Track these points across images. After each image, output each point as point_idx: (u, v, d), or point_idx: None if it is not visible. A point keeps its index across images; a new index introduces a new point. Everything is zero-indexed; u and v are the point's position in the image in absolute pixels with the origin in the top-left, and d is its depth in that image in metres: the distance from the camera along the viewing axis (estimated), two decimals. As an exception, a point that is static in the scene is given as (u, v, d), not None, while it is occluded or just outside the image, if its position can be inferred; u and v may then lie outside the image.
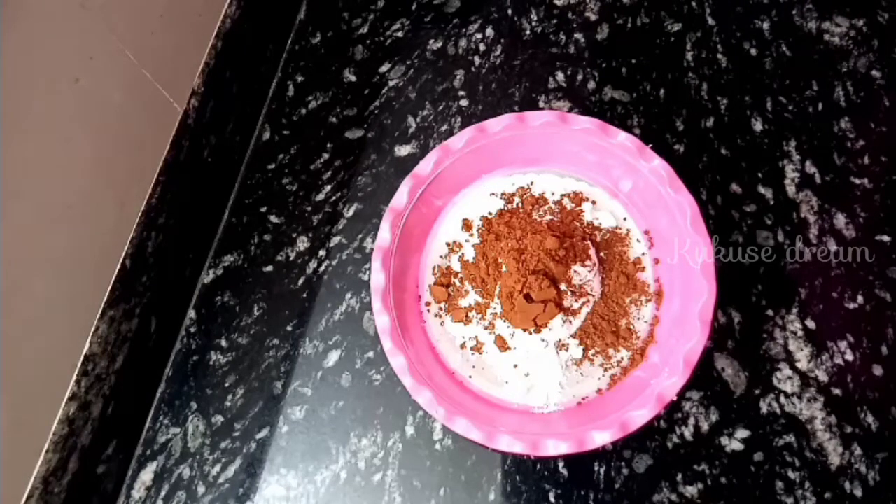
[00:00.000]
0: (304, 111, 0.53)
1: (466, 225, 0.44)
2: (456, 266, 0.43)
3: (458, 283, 0.42)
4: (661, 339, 0.39)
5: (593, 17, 0.53)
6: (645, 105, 0.49)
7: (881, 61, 0.48)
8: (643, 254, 0.42)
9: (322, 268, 0.47)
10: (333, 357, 0.44)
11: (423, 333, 0.41)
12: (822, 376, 0.40)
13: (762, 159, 0.46)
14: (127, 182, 0.43)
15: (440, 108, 0.51)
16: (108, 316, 0.41)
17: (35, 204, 0.36)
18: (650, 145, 0.40)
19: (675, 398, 0.35)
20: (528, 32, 0.53)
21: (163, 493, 0.42)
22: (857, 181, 0.45)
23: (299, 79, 0.55)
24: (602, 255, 0.42)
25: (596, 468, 0.39)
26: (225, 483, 0.41)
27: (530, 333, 0.39)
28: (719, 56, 0.50)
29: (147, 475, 0.42)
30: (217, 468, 0.42)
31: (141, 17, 0.43)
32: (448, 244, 0.44)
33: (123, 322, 0.42)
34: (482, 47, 0.53)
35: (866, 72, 0.48)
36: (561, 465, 0.39)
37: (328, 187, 0.50)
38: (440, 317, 0.42)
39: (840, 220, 0.44)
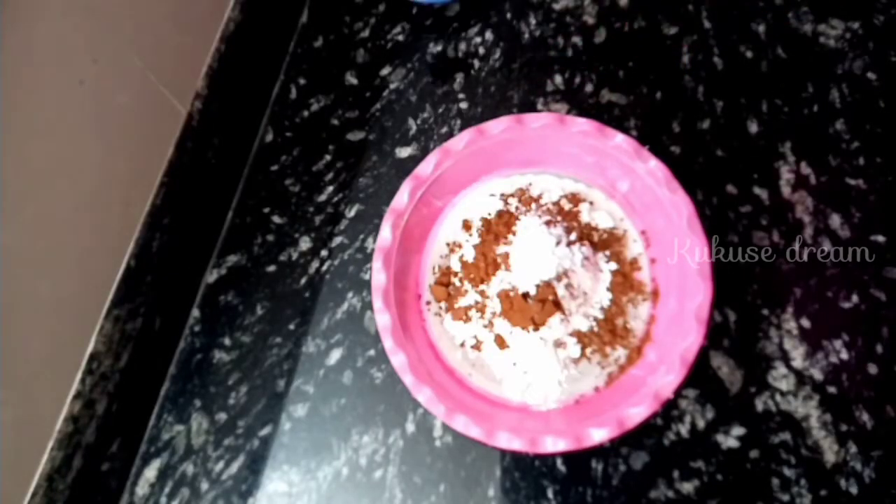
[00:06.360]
0: (306, 113, 0.54)
1: (466, 225, 0.44)
2: (456, 266, 0.43)
3: (457, 283, 0.43)
4: (657, 338, 0.39)
5: (591, 21, 0.54)
6: (642, 107, 0.49)
7: (876, 63, 0.49)
8: (640, 254, 0.42)
9: (324, 267, 0.48)
10: (335, 355, 0.45)
11: (424, 332, 0.42)
12: (818, 374, 0.40)
13: (758, 161, 0.46)
14: (131, 183, 0.43)
15: (440, 110, 0.52)
16: (113, 315, 0.41)
17: (40, 205, 0.36)
18: (647, 147, 0.41)
19: (671, 396, 0.35)
20: (526, 36, 0.54)
21: (166, 490, 0.42)
22: (852, 182, 0.45)
23: (301, 81, 0.55)
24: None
25: (593, 465, 0.39)
26: (228, 480, 0.42)
27: (529, 332, 0.39)
28: (715, 59, 0.50)
29: (151, 472, 0.43)
30: (220, 465, 0.42)
31: (145, 21, 0.43)
32: (448, 244, 0.44)
33: (128, 321, 0.43)
34: (482, 51, 0.54)
35: (861, 74, 0.48)
36: (559, 461, 0.40)
37: (330, 188, 0.50)
38: (440, 316, 0.42)
39: (835, 220, 0.44)
